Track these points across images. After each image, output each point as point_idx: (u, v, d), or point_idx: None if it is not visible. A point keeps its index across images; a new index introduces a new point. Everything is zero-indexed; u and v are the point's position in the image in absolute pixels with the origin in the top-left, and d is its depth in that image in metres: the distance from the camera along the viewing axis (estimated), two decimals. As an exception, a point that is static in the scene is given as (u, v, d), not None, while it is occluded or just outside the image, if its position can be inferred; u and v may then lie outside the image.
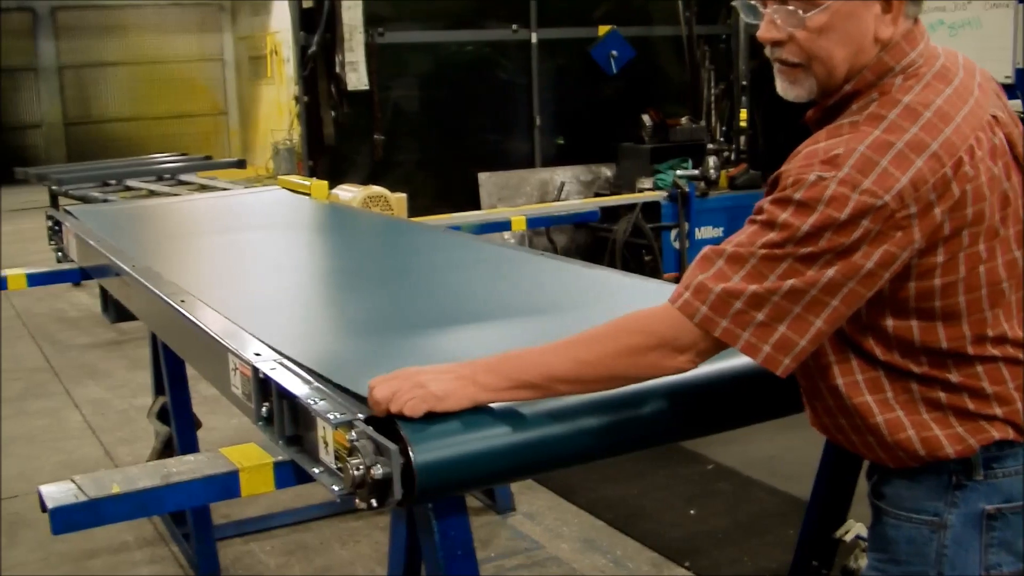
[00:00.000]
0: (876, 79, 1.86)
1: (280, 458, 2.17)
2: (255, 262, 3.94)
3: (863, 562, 2.62)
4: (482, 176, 8.52)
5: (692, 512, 4.77)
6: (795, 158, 1.82)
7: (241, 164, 14.06)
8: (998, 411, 1.86)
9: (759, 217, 1.79)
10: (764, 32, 1.91)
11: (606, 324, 1.89)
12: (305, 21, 7.87)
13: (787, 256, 1.73)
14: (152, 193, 10.28)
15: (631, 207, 7.68)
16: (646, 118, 8.68)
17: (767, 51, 1.94)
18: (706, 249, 1.84)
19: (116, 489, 2.05)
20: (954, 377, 1.85)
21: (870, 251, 1.72)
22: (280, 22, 20.47)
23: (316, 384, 2.16)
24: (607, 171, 8.92)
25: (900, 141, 1.73)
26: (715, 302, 1.77)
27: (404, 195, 6.10)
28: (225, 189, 9.14)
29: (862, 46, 1.85)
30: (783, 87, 1.94)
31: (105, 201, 9.34)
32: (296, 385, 2.16)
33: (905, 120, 1.77)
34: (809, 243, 1.72)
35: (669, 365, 1.84)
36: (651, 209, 7.72)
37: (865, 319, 1.85)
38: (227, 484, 2.13)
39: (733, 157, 8.54)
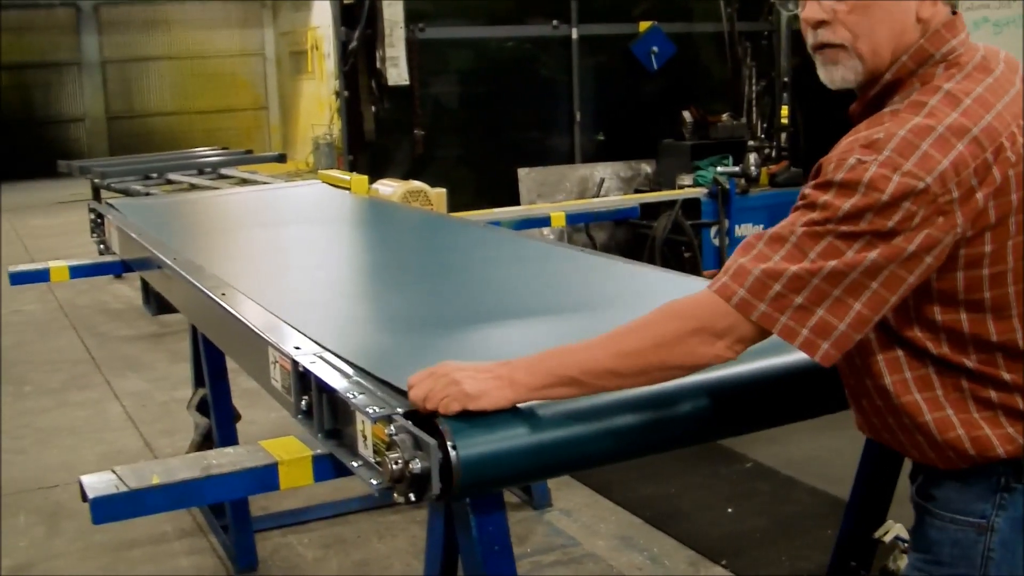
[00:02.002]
0: (916, 67, 1.85)
1: (319, 451, 2.17)
2: (295, 256, 3.95)
3: (902, 563, 2.60)
4: (522, 172, 8.52)
5: (730, 511, 4.74)
6: (836, 147, 1.81)
7: (282, 158, 14.12)
8: None
9: (801, 202, 1.79)
10: (809, 12, 1.89)
11: (645, 315, 1.86)
12: (346, 17, 7.89)
13: (828, 233, 1.71)
14: (193, 187, 10.35)
15: (671, 204, 7.65)
16: (687, 115, 8.64)
17: (809, 39, 1.92)
18: (749, 236, 1.83)
19: (156, 480, 2.06)
20: (1006, 375, 1.82)
21: (912, 236, 1.70)
22: (321, 17, 20.58)
23: (355, 378, 2.17)
24: (647, 167, 8.90)
25: (941, 125, 1.72)
26: (754, 284, 1.75)
27: (444, 190, 6.10)
28: (266, 183, 9.18)
29: (905, 25, 1.85)
30: (826, 74, 1.92)
31: (147, 194, 9.41)
32: (335, 379, 2.16)
33: (946, 106, 1.76)
34: (850, 222, 1.70)
35: (708, 352, 1.80)
36: (691, 206, 7.69)
37: (913, 311, 1.82)
38: (266, 477, 2.14)
39: (774, 154, 8.50)
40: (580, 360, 1.85)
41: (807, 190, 1.78)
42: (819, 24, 1.89)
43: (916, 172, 1.68)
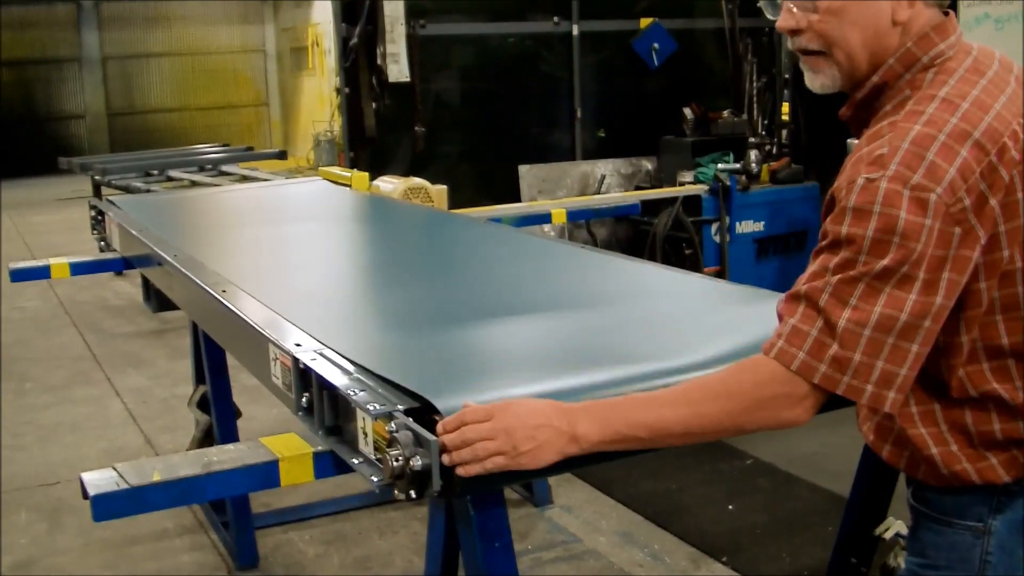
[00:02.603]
0: (904, 70, 1.84)
1: (319, 448, 2.17)
2: (296, 253, 3.95)
3: (902, 560, 2.59)
4: (523, 168, 8.51)
5: (731, 508, 4.75)
6: (843, 172, 1.80)
7: (282, 155, 14.14)
8: None
9: (824, 243, 1.77)
10: (782, 22, 1.90)
11: (714, 377, 1.83)
12: (347, 13, 7.88)
13: (863, 276, 1.69)
14: (194, 183, 10.38)
15: (672, 200, 7.63)
16: (688, 111, 8.62)
17: (789, 44, 1.93)
18: (786, 295, 1.81)
19: (157, 477, 2.06)
20: (1011, 394, 1.81)
21: (941, 255, 1.68)
22: (322, 14, 20.60)
23: (356, 375, 2.17)
24: (648, 164, 8.89)
25: (942, 133, 1.71)
26: (812, 347, 1.73)
27: (445, 187, 6.09)
28: (266, 180, 9.20)
29: (879, 29, 1.83)
30: (808, 79, 1.93)
31: (148, 191, 9.43)
32: (336, 376, 2.16)
33: (944, 112, 1.74)
34: (879, 254, 1.68)
35: (787, 417, 1.78)
36: (692, 203, 7.67)
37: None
38: (267, 474, 2.14)
39: (775, 151, 8.48)
40: (654, 421, 1.80)
41: (827, 226, 1.77)
42: (793, 32, 1.89)
43: (925, 184, 1.68)
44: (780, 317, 1.81)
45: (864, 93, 1.88)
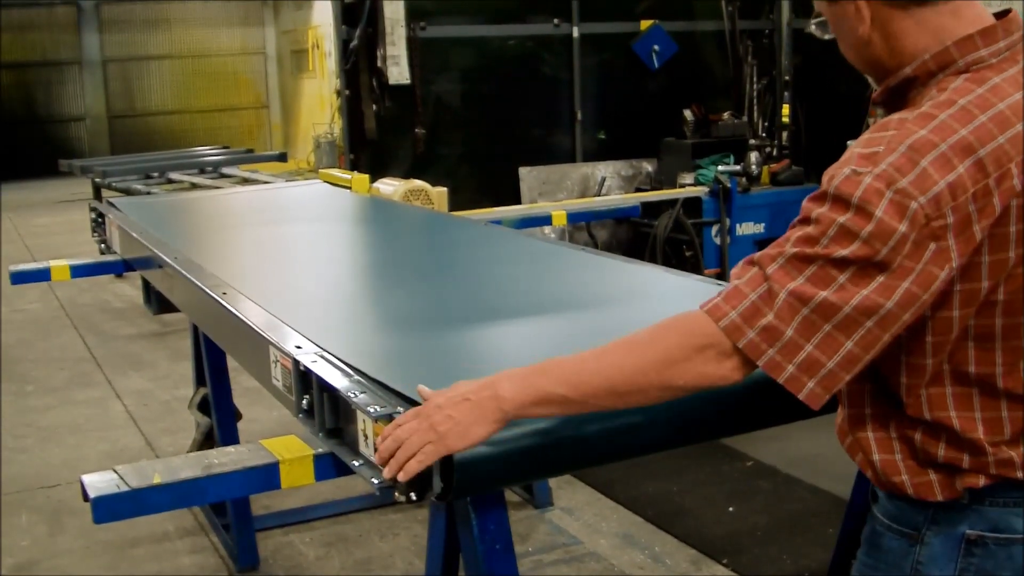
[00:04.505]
0: (938, 69, 1.75)
1: (320, 450, 2.17)
2: (296, 255, 3.95)
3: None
4: (523, 171, 8.52)
5: (731, 509, 4.74)
6: (841, 158, 1.77)
7: (283, 157, 14.15)
8: (992, 466, 1.76)
9: (796, 219, 1.73)
10: (819, 32, 1.95)
11: (642, 330, 1.77)
12: (347, 15, 7.89)
13: (819, 257, 1.63)
14: (194, 186, 10.40)
15: (672, 202, 7.64)
16: (688, 113, 8.64)
17: None
18: (742, 260, 1.77)
19: (157, 479, 2.06)
20: (963, 424, 1.75)
21: (908, 269, 1.60)
22: (322, 16, 20.61)
23: (356, 377, 2.17)
24: (648, 166, 8.90)
25: (944, 143, 1.62)
26: (746, 310, 1.67)
27: (445, 189, 6.10)
28: (267, 182, 9.21)
29: (856, 43, 1.82)
30: None
31: (148, 193, 9.43)
32: (337, 378, 2.16)
33: (956, 122, 1.65)
34: (842, 243, 1.62)
35: (713, 372, 1.71)
36: (692, 205, 7.68)
37: (904, 342, 1.74)
38: (268, 476, 2.14)
39: (775, 153, 8.49)
40: (574, 376, 1.77)
41: (805, 203, 1.72)
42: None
43: (909, 191, 1.60)
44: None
45: (895, 83, 1.82)
